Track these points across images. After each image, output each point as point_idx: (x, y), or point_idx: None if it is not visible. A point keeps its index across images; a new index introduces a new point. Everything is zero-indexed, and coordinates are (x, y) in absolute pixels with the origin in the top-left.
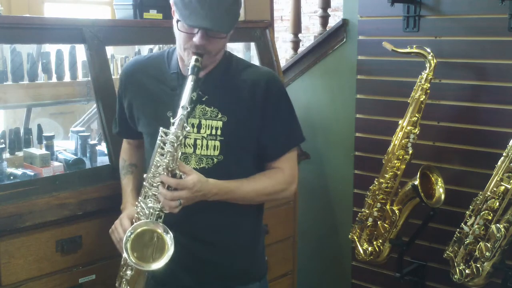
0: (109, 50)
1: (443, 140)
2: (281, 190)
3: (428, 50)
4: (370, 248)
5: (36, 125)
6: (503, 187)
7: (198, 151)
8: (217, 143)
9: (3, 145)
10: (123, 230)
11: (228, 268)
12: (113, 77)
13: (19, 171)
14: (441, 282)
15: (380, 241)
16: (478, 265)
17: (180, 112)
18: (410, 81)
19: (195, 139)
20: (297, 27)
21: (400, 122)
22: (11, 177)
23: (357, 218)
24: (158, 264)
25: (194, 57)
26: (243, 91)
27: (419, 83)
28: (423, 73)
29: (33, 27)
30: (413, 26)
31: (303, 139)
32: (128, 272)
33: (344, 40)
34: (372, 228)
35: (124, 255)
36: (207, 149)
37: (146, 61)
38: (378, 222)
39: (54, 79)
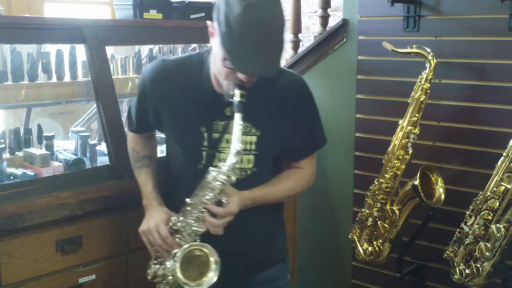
0: (109, 50)
1: (443, 140)
2: (302, 189)
3: (428, 50)
4: (370, 248)
5: (36, 125)
6: (503, 187)
7: None
8: (251, 157)
9: (3, 145)
10: (162, 237)
11: (254, 256)
12: (113, 77)
13: (19, 171)
14: (441, 282)
15: (380, 241)
16: (478, 265)
17: (233, 157)
18: (410, 81)
19: None
20: (297, 27)
21: (400, 122)
22: (11, 177)
23: (357, 218)
24: (200, 284)
25: (239, 92)
26: (274, 101)
27: (419, 83)
28: (423, 73)
29: (33, 27)
30: (413, 26)
31: (325, 142)
32: (169, 278)
33: (344, 40)
34: (372, 228)
35: (172, 267)
36: (241, 163)
37: (174, 67)
38: (378, 222)
39: (54, 79)
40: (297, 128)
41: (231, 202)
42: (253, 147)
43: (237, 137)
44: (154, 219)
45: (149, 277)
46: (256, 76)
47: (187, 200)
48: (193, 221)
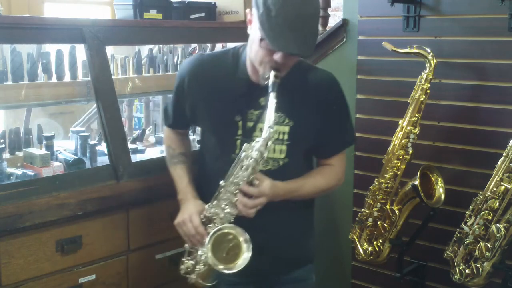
0: (109, 50)
1: (443, 140)
2: (333, 186)
3: (428, 50)
4: (370, 248)
5: (36, 125)
6: (503, 187)
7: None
8: (283, 147)
9: (3, 145)
10: (194, 226)
11: (282, 253)
12: (113, 77)
13: (19, 171)
14: (441, 282)
15: (380, 241)
16: (478, 265)
17: (266, 131)
18: (410, 81)
19: None
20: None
21: (400, 122)
22: (11, 177)
23: (357, 218)
24: (234, 267)
25: (273, 73)
26: (307, 95)
27: (419, 83)
28: (423, 73)
29: (33, 27)
30: (413, 26)
31: (355, 140)
32: (201, 267)
33: (344, 40)
34: (372, 228)
35: (202, 251)
36: (273, 152)
37: (211, 62)
38: (378, 222)
39: (54, 79)
40: (329, 123)
41: (263, 183)
42: (286, 137)
43: (272, 115)
44: (188, 210)
45: (182, 272)
46: (291, 53)
47: (221, 182)
48: (226, 205)
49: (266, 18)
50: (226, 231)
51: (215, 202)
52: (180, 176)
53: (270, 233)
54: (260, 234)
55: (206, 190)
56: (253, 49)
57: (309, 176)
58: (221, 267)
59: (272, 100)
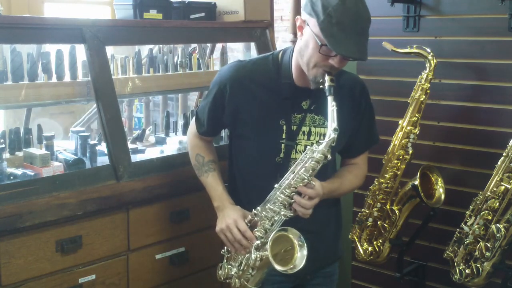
0: (109, 50)
1: (443, 140)
2: (359, 185)
3: (428, 50)
4: (370, 248)
5: (36, 125)
6: (503, 187)
7: None
8: None
9: (3, 145)
10: (241, 231)
11: (321, 251)
12: (113, 77)
13: (19, 171)
14: (441, 282)
15: (380, 241)
16: (478, 265)
17: (331, 134)
18: (410, 81)
19: (305, 146)
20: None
21: (400, 122)
22: (11, 177)
23: (357, 218)
24: (295, 266)
25: (328, 77)
26: (342, 98)
27: (419, 83)
28: (423, 73)
29: (33, 27)
30: (413, 26)
31: (378, 140)
32: (250, 271)
33: None
34: (372, 228)
35: (255, 256)
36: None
37: (252, 67)
38: (378, 222)
39: (54, 79)
40: (360, 124)
41: (316, 184)
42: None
43: (333, 116)
44: (231, 216)
45: (221, 278)
46: (353, 57)
47: (276, 185)
48: (281, 207)
49: (328, 25)
50: (282, 233)
51: (268, 205)
52: (213, 184)
53: (310, 232)
54: (303, 235)
55: (243, 196)
56: (307, 54)
57: (344, 175)
58: (281, 268)
59: (331, 103)
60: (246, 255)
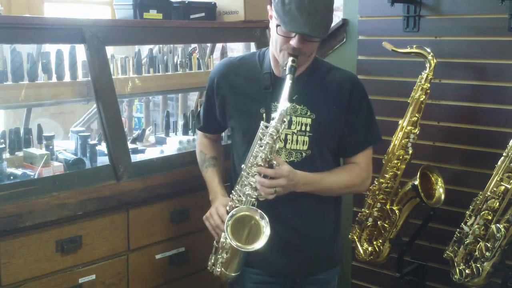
0: (109, 50)
1: (443, 140)
2: (358, 184)
3: (428, 50)
4: (370, 248)
5: (36, 125)
6: (503, 187)
7: (288, 146)
8: (306, 139)
9: (3, 145)
10: (220, 216)
11: (314, 254)
12: (113, 77)
13: (19, 171)
14: (441, 282)
15: (380, 241)
16: (478, 265)
17: (281, 107)
18: (410, 81)
19: (286, 135)
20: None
21: (400, 122)
22: (11, 177)
23: (357, 218)
24: (256, 245)
25: (291, 58)
26: (329, 92)
27: (419, 83)
28: (423, 73)
29: (33, 27)
30: (413, 26)
31: (379, 140)
32: (224, 255)
33: (344, 40)
34: (372, 228)
35: (225, 237)
36: (296, 143)
37: (238, 63)
38: (378, 222)
39: (54, 79)
40: (351, 122)
41: (282, 166)
42: (308, 128)
43: (287, 92)
44: (215, 204)
45: (209, 268)
46: (304, 33)
47: (242, 166)
48: (247, 188)
49: (281, 5)
50: (241, 213)
51: (237, 187)
52: (211, 178)
53: (302, 234)
54: (293, 235)
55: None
56: (273, 39)
57: (332, 171)
58: (242, 246)
59: (287, 81)
60: (221, 240)
